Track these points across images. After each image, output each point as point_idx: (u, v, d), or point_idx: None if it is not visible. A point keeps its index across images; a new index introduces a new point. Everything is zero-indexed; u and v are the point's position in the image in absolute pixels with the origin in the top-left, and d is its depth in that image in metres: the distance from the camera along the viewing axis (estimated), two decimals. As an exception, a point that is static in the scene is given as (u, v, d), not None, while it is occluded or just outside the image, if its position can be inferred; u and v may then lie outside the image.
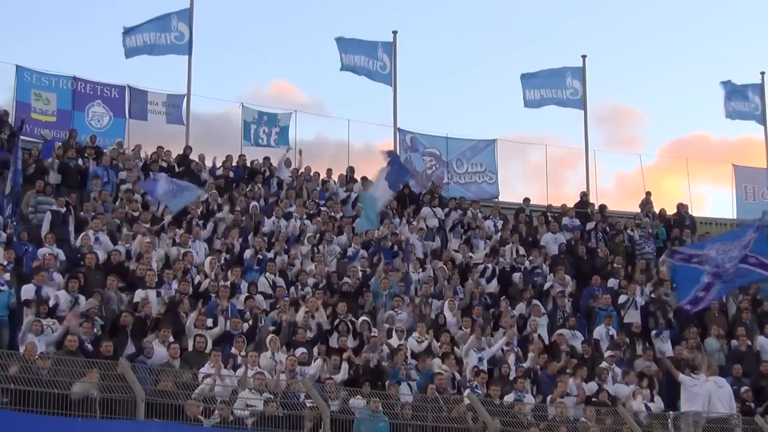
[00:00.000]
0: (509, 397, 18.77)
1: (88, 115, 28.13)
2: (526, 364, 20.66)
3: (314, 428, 16.06)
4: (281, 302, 20.62)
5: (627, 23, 58.83)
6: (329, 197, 26.70)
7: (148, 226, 22.10)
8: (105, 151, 25.41)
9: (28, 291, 18.44)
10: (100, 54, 51.85)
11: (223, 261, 21.87)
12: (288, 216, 24.74)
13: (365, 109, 57.32)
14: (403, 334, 20.53)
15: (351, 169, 28.68)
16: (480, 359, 20.20)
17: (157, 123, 29.16)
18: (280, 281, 21.72)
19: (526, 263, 25.07)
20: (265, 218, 24.43)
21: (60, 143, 25.43)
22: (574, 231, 27.30)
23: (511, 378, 19.75)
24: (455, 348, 20.64)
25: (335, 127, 54.29)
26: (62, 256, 20.27)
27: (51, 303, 18.18)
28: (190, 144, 27.96)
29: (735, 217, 32.44)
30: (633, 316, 23.55)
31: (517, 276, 24.61)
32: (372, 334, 20.18)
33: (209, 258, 21.59)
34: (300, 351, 18.75)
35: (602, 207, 29.50)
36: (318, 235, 24.04)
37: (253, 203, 24.80)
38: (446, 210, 27.15)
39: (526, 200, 29.50)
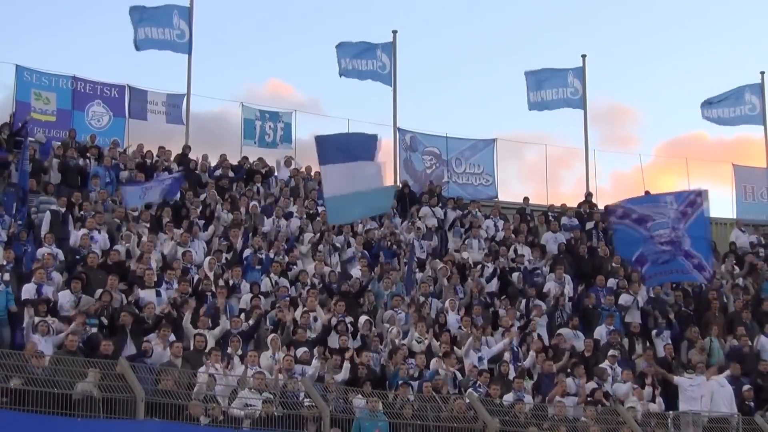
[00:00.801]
0: (509, 397, 18.79)
1: (87, 115, 28.12)
2: (524, 364, 20.68)
3: (318, 429, 16.07)
4: (281, 302, 20.63)
5: (624, 23, 58.95)
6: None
7: (148, 225, 22.11)
8: (105, 151, 25.40)
9: (28, 290, 18.45)
10: (100, 54, 51.92)
11: (223, 261, 21.87)
12: (288, 216, 24.75)
13: (361, 109, 57.44)
14: (400, 335, 20.50)
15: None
16: (480, 359, 20.22)
17: (157, 123, 29.16)
18: (283, 281, 21.73)
19: (526, 263, 25.07)
20: (265, 218, 24.43)
21: (60, 143, 25.46)
22: (574, 231, 27.29)
23: (510, 378, 19.76)
24: (455, 348, 20.62)
25: (332, 126, 54.31)
26: (61, 255, 20.27)
27: (53, 303, 18.20)
28: (189, 143, 27.95)
29: (735, 217, 32.42)
30: (633, 316, 23.55)
31: (516, 276, 24.62)
32: (373, 334, 20.18)
33: (208, 258, 21.59)
34: (302, 350, 18.74)
35: (606, 207, 29.46)
36: (318, 235, 24.04)
37: (253, 203, 24.80)
38: (444, 209, 27.15)
39: (526, 199, 29.50)
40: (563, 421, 18.21)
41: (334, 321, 20.06)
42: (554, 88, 32.55)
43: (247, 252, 22.44)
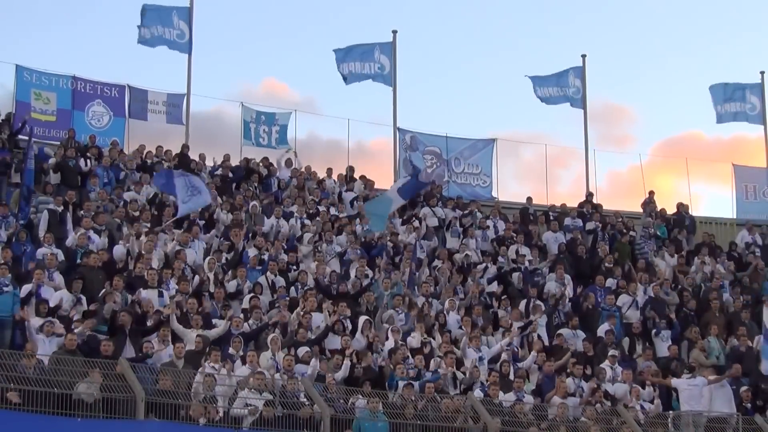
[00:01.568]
0: (509, 397, 18.79)
1: (88, 115, 28.10)
2: (525, 364, 20.68)
3: (315, 428, 16.07)
4: (280, 302, 20.63)
5: (623, 22, 58.79)
6: (328, 197, 26.71)
7: (148, 225, 22.10)
8: (105, 151, 25.40)
9: (26, 291, 18.43)
10: (100, 54, 51.90)
11: (223, 261, 21.86)
12: (288, 216, 24.75)
13: (357, 108, 57.38)
14: (400, 334, 20.49)
15: (351, 169, 28.69)
16: (480, 359, 20.22)
17: (157, 122, 29.16)
18: (281, 281, 21.73)
19: (526, 263, 25.07)
20: (265, 218, 24.42)
21: (59, 143, 25.46)
22: (575, 231, 27.29)
23: (510, 378, 19.77)
24: (455, 348, 20.62)
25: (328, 125, 54.43)
26: (61, 255, 20.27)
27: (52, 303, 18.19)
28: (187, 143, 27.93)
29: (735, 217, 32.42)
30: (633, 316, 23.56)
31: (516, 276, 24.62)
32: (372, 333, 20.18)
33: (207, 258, 21.58)
34: (303, 350, 18.74)
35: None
36: (318, 235, 24.03)
37: (253, 203, 24.80)
38: (445, 209, 27.17)
39: (529, 200, 29.49)
40: (563, 421, 18.21)
41: (333, 320, 20.05)
42: (558, 86, 32.57)
43: (246, 252, 22.44)
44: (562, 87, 32.54)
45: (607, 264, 25.38)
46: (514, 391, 19.03)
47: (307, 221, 24.77)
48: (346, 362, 18.59)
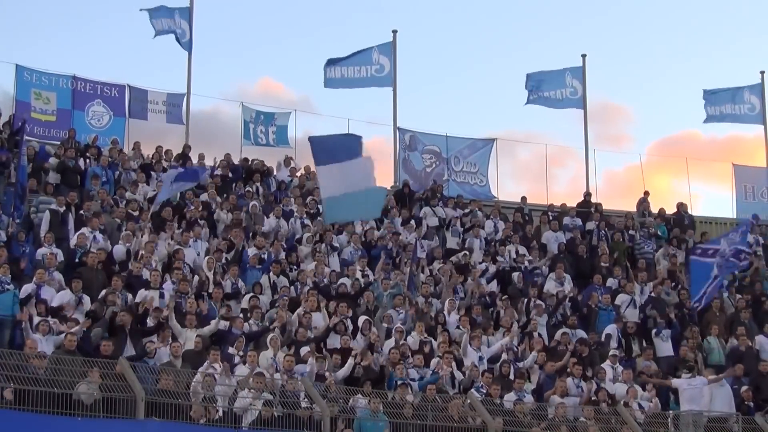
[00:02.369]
0: (509, 397, 18.79)
1: (88, 115, 28.13)
2: (525, 364, 20.68)
3: (315, 428, 16.06)
4: (280, 302, 20.63)
5: (622, 22, 58.89)
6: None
7: (149, 225, 22.10)
8: (104, 150, 25.40)
9: (27, 291, 18.43)
10: (100, 54, 51.93)
11: (223, 260, 21.86)
12: (288, 216, 24.75)
13: (354, 107, 57.46)
14: (402, 335, 20.51)
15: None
16: (480, 358, 20.22)
17: (157, 122, 29.16)
18: (282, 281, 21.73)
19: (526, 263, 25.08)
20: (265, 218, 24.43)
21: (59, 143, 25.46)
22: (575, 230, 27.29)
23: (511, 377, 19.77)
24: (455, 347, 20.61)
25: (323, 124, 54.42)
26: (61, 255, 20.27)
27: (55, 303, 18.17)
28: (188, 143, 27.93)
29: (735, 217, 32.43)
30: (631, 316, 23.56)
31: (516, 275, 24.62)
32: (372, 333, 20.18)
33: (207, 258, 21.59)
34: (303, 350, 18.73)
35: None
36: (318, 235, 24.03)
37: (253, 203, 24.81)
38: (444, 208, 27.18)
39: (524, 199, 29.50)
40: (563, 421, 18.21)
41: (334, 321, 20.05)
42: (554, 89, 32.56)
43: (246, 251, 22.45)
44: (558, 90, 32.55)
45: (603, 263, 25.37)
46: (515, 391, 19.03)
47: (307, 221, 24.77)
48: (350, 362, 18.60)
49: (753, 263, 27.27)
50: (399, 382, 18.22)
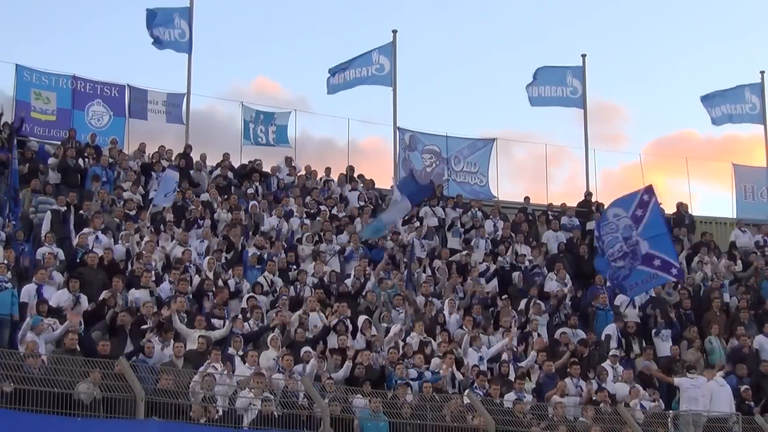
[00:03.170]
0: (509, 397, 18.79)
1: (87, 114, 28.11)
2: (525, 363, 20.67)
3: (315, 428, 16.05)
4: (280, 302, 20.63)
5: (622, 22, 58.89)
6: (329, 196, 26.72)
7: (149, 225, 22.11)
8: (104, 150, 25.40)
9: (28, 291, 18.44)
10: (100, 53, 51.93)
11: (223, 260, 21.87)
12: (288, 215, 24.75)
13: (351, 107, 57.41)
14: (401, 334, 20.51)
15: (351, 169, 28.69)
16: (480, 358, 20.21)
17: (157, 122, 29.16)
18: (279, 281, 21.72)
19: (526, 262, 25.07)
20: (265, 217, 24.42)
21: (59, 143, 25.45)
22: (574, 230, 27.27)
23: (511, 377, 19.77)
24: (456, 347, 20.60)
25: (320, 124, 54.42)
26: (62, 255, 20.27)
27: (52, 303, 18.17)
28: (188, 142, 27.92)
29: (735, 216, 32.41)
30: (631, 316, 23.55)
31: (516, 275, 24.61)
32: (372, 333, 20.18)
33: (207, 258, 21.59)
34: (303, 350, 18.74)
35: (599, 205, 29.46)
36: (318, 235, 24.02)
37: (253, 202, 24.80)
38: (445, 208, 27.17)
39: (527, 199, 29.50)
40: (563, 421, 18.21)
41: (334, 321, 20.04)
42: (553, 85, 32.55)
43: (246, 251, 22.45)
44: (557, 86, 32.54)
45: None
46: (515, 391, 19.03)
47: (307, 221, 24.76)
48: (348, 363, 18.59)
49: (753, 263, 27.31)
50: (399, 382, 18.23)
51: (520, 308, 22.99)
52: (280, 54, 56.64)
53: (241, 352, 18.26)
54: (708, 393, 19.78)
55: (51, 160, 24.26)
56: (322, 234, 24.15)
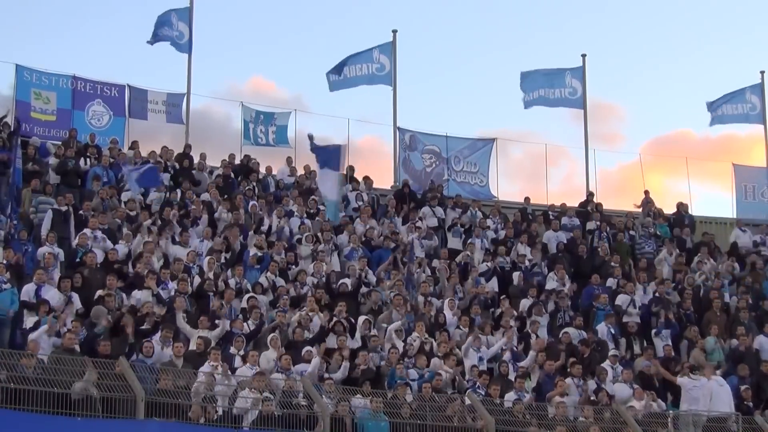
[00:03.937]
0: (509, 397, 18.78)
1: (88, 114, 28.09)
2: (525, 363, 20.66)
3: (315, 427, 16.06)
4: (281, 302, 20.63)
5: (622, 22, 58.80)
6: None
7: (149, 225, 22.10)
8: (105, 150, 25.40)
9: (28, 291, 18.44)
10: (100, 53, 51.91)
11: (222, 260, 21.87)
12: (288, 215, 24.75)
13: (348, 106, 57.35)
14: (402, 334, 20.50)
15: (351, 169, 28.67)
16: (480, 359, 20.21)
17: (157, 122, 29.16)
18: (280, 281, 21.73)
19: (526, 262, 25.06)
20: (265, 217, 24.42)
21: (60, 143, 25.45)
22: (574, 230, 27.27)
23: (510, 377, 19.76)
24: (455, 348, 20.61)
25: (317, 124, 54.38)
26: (62, 255, 20.26)
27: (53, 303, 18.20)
28: (188, 142, 27.92)
29: (735, 216, 32.40)
30: (631, 316, 23.54)
31: (516, 275, 24.60)
32: (372, 333, 20.18)
33: (207, 258, 21.59)
34: (303, 350, 18.74)
35: (610, 211, 29.46)
36: (317, 235, 24.03)
37: (253, 202, 24.80)
38: (445, 209, 27.16)
39: (527, 199, 29.49)
40: (563, 421, 18.20)
41: (333, 321, 20.05)
42: (552, 87, 32.56)
43: (247, 251, 22.45)
44: (554, 88, 32.55)
45: (614, 263, 25.34)
46: (515, 391, 19.02)
47: (307, 221, 24.76)
48: (345, 363, 18.59)
49: (754, 262, 27.31)
50: (399, 382, 18.22)
51: (520, 309, 22.96)
52: (278, 54, 56.63)
53: (242, 352, 18.25)
54: (708, 393, 19.78)
55: (51, 161, 24.25)
56: (321, 234, 24.14)
